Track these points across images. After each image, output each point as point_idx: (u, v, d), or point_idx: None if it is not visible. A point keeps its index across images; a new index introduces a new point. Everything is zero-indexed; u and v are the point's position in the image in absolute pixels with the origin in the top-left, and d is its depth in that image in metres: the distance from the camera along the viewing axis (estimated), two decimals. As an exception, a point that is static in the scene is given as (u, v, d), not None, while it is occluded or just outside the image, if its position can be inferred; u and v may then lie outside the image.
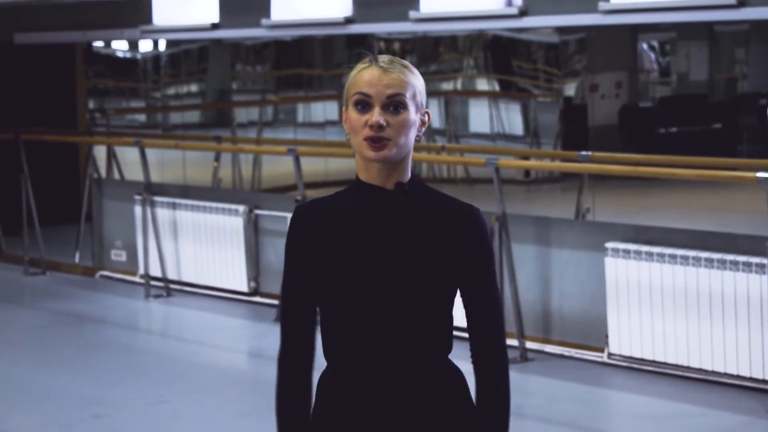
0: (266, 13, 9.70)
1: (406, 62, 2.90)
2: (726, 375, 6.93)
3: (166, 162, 10.77)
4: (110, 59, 11.83)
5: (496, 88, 8.79)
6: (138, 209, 10.25)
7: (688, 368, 7.08)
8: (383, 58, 2.88)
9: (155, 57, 11.18)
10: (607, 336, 7.45)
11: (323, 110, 10.04)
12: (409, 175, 2.88)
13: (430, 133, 8.99)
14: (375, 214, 2.86)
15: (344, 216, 2.87)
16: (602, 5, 7.58)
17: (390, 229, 2.84)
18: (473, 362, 2.91)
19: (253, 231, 9.67)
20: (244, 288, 9.67)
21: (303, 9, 9.52)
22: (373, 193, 2.86)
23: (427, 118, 2.91)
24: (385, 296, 2.80)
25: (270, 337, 8.45)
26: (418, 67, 3.01)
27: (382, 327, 2.81)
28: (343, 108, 2.91)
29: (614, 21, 7.68)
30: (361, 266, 2.82)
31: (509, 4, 8.15)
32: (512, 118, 8.74)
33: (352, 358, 2.84)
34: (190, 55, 10.96)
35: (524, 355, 7.63)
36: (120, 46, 11.62)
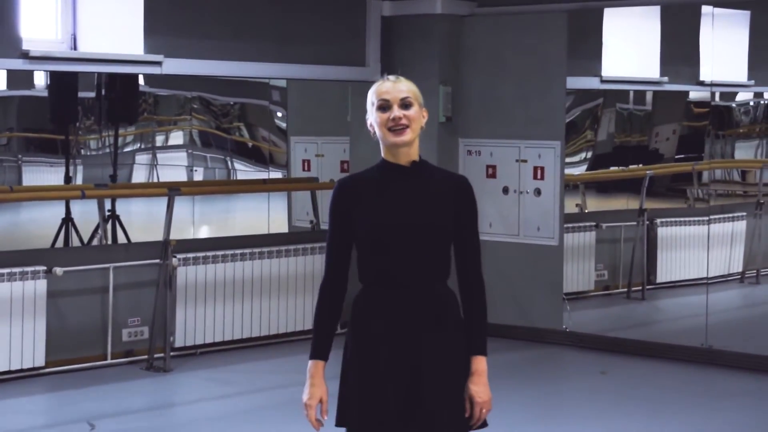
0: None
1: (405, 78, 4.09)
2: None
3: None
4: None
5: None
6: None
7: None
8: (391, 77, 4.07)
9: None
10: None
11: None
12: (418, 155, 4.08)
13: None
14: (397, 184, 4.06)
15: (376, 186, 4.06)
16: None
17: (407, 193, 4.05)
18: (460, 287, 4.10)
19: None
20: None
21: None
22: (395, 169, 4.07)
23: (425, 114, 4.09)
24: (406, 238, 4.01)
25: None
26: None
27: (404, 258, 4.01)
28: (366, 116, 4.07)
29: None
30: (391, 219, 4.02)
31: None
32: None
33: (382, 280, 4.04)
34: None
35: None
36: None
